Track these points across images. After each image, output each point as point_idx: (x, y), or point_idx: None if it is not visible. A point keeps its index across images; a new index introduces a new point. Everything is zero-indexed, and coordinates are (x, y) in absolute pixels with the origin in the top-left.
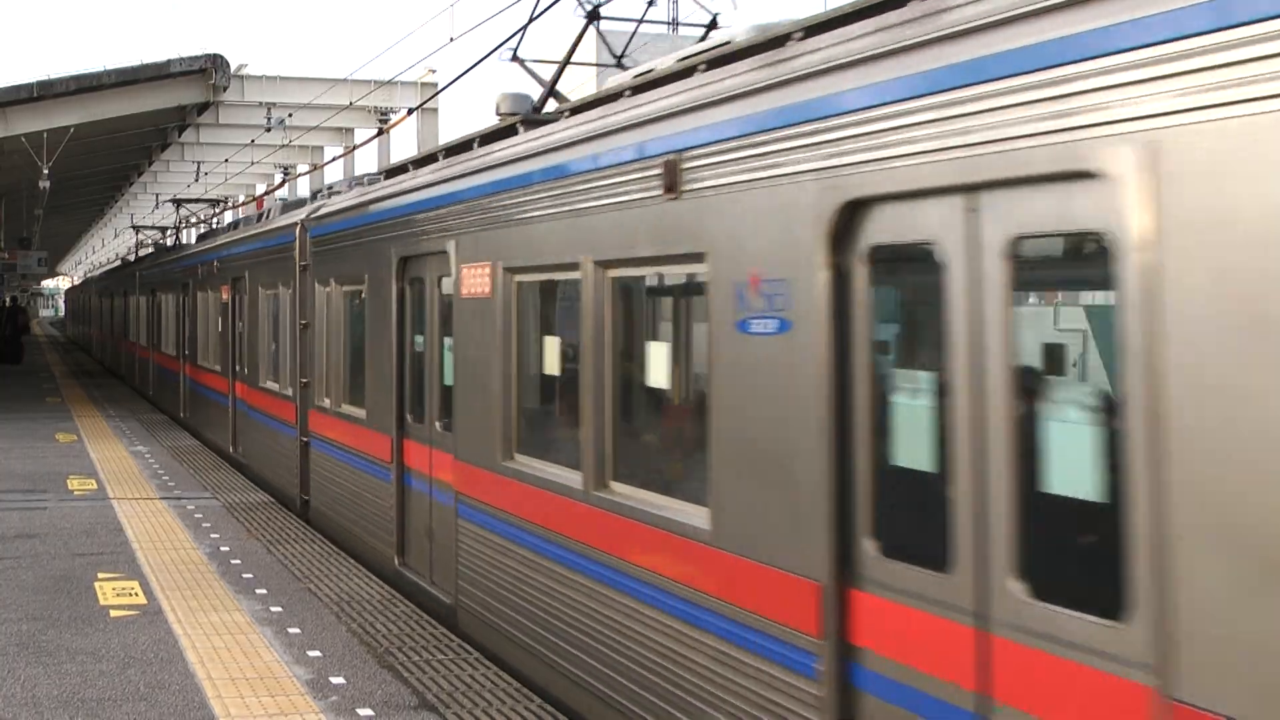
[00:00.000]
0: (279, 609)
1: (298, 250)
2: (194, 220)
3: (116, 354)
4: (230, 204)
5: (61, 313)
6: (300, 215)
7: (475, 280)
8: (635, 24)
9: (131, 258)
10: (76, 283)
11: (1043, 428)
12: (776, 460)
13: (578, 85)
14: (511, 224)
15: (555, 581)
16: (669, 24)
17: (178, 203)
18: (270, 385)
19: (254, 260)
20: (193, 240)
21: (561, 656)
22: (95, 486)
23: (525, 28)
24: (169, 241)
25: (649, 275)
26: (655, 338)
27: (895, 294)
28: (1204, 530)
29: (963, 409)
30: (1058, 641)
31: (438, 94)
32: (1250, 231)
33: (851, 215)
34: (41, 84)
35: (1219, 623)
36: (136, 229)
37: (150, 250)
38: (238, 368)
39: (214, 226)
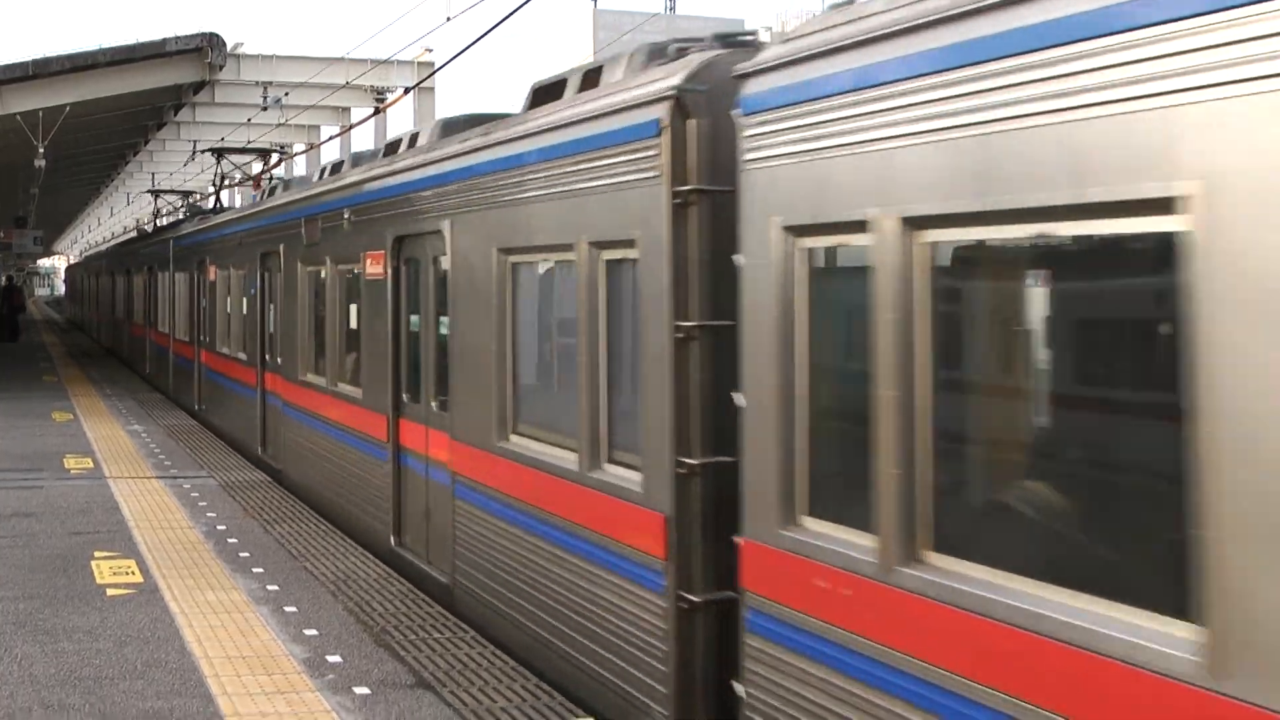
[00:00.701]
0: (275, 587)
1: (669, 158)
2: (242, 176)
3: (137, 347)
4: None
5: (59, 292)
6: (673, 79)
7: None
8: None
9: (149, 227)
10: (78, 259)
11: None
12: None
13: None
14: None
15: None
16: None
17: (219, 153)
18: (557, 456)
19: (467, 199)
20: (224, 204)
21: None
22: (91, 465)
23: None
24: (207, 202)
25: None
26: None
27: None
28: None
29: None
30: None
31: (434, 73)
32: None
33: None
34: (37, 62)
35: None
36: (156, 193)
37: (184, 213)
38: (419, 403)
39: (270, 181)
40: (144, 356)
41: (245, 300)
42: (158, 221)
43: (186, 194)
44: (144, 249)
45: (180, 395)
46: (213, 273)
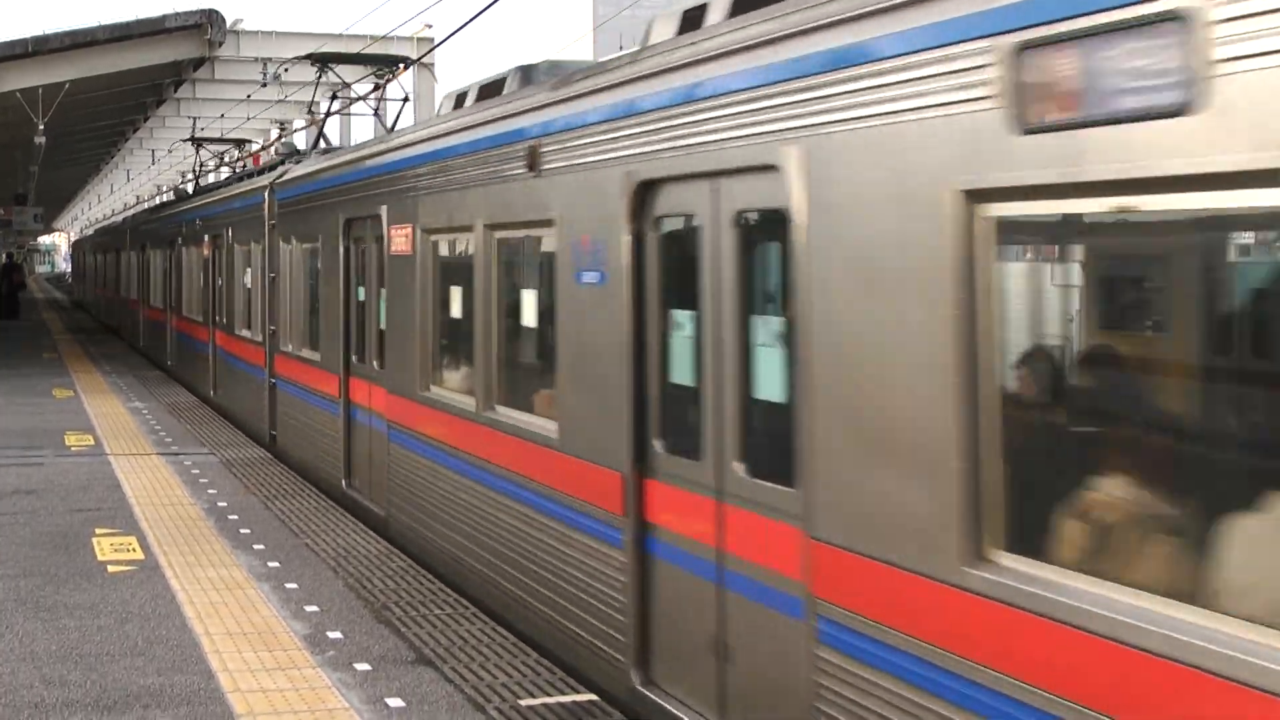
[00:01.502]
0: (276, 564)
1: None
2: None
3: (191, 355)
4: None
5: (59, 269)
6: None
7: None
8: None
9: (190, 187)
10: (87, 232)
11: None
12: None
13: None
14: None
15: None
16: None
17: (323, 60)
18: None
19: None
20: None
21: None
22: (92, 442)
23: None
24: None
25: None
26: None
27: None
28: None
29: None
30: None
31: (434, 49)
32: None
33: None
34: (36, 39)
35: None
36: (198, 142)
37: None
38: None
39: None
40: (208, 372)
41: (545, 297)
42: (198, 179)
43: (239, 142)
44: (204, 211)
45: (319, 466)
46: (405, 240)
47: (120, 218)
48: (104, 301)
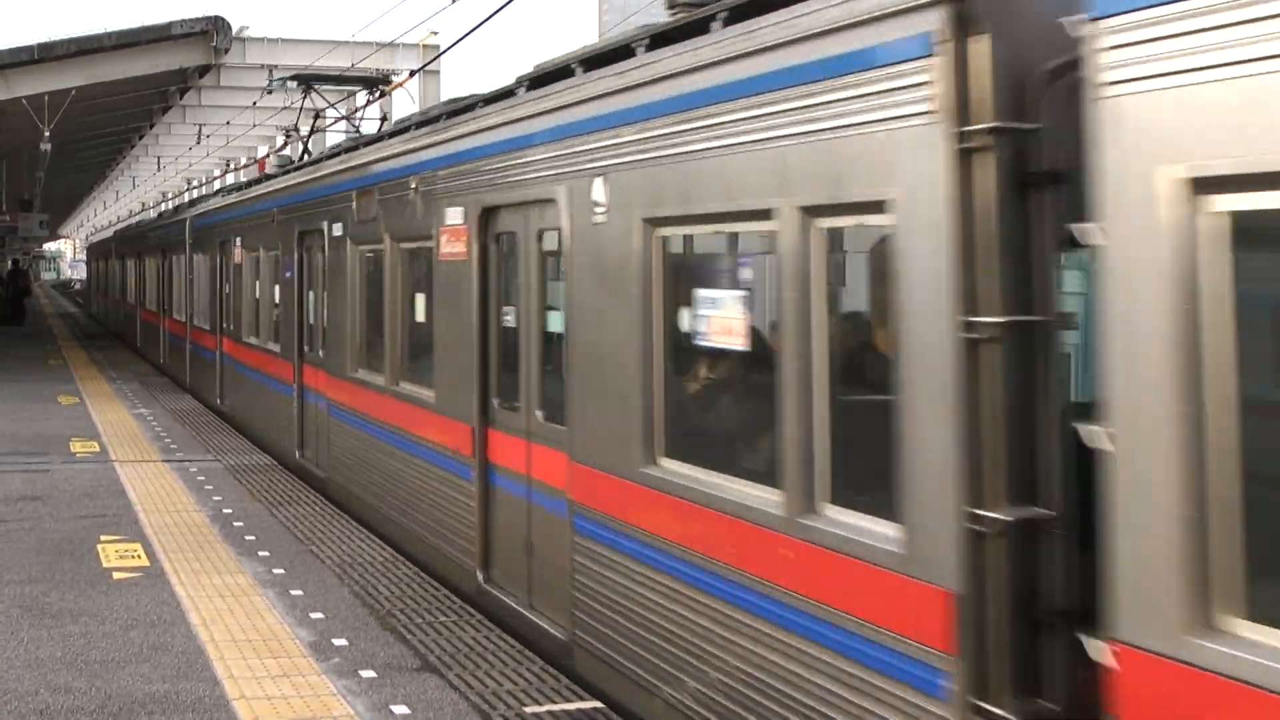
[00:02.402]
0: (281, 571)
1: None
2: None
3: (358, 453)
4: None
5: (63, 275)
6: None
7: None
8: None
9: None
10: (108, 232)
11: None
12: None
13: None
14: None
15: None
16: None
17: None
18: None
19: None
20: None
21: None
22: (98, 449)
23: None
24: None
25: None
26: None
27: None
28: None
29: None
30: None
31: (439, 56)
32: None
33: None
34: (42, 46)
35: None
36: (308, 81)
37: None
38: None
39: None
40: (445, 516)
41: None
42: (309, 140)
43: (372, 81)
44: (437, 158)
45: None
46: None
47: (157, 211)
48: (143, 331)
